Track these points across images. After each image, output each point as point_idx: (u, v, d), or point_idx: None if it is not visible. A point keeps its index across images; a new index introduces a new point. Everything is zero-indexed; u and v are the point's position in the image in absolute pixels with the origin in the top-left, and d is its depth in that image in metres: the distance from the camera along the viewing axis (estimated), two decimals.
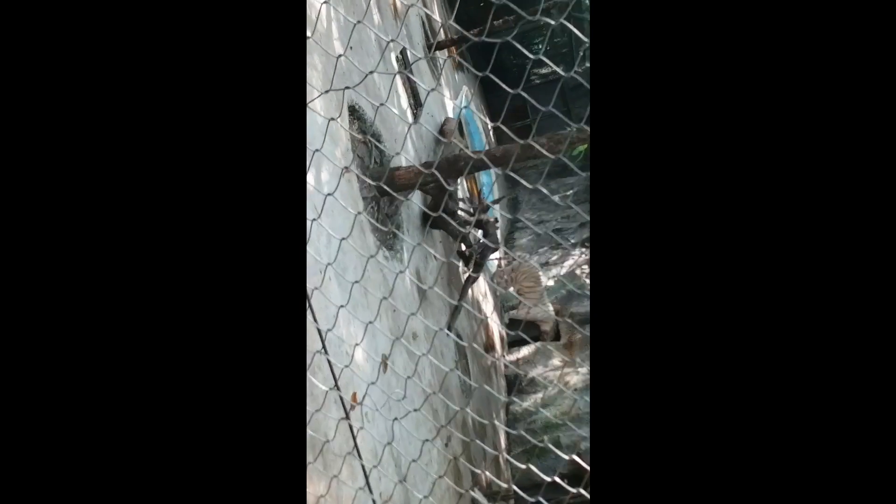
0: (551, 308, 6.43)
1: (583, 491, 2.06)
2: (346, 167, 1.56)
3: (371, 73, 1.58)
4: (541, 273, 6.55)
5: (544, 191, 1.83)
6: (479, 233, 5.72)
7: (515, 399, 6.21)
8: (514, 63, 9.84)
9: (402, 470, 2.95)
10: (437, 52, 6.55)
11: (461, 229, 5.00)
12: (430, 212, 3.34)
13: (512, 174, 2.13)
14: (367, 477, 2.16)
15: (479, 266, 5.43)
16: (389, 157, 4.42)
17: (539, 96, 1.74)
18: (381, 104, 1.55)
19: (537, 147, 1.82)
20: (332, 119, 1.49)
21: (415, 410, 1.83)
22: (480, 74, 1.75)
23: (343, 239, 1.56)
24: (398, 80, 5.38)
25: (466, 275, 5.64)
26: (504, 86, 1.80)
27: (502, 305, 7.55)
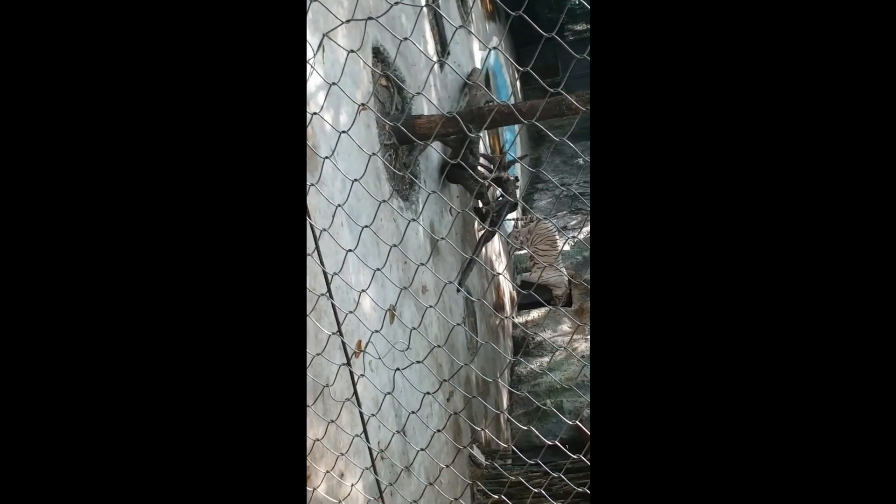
0: (565, 273, 6.34)
1: (583, 458, 2.02)
2: (364, 104, 1.46)
3: (397, 2, 1.46)
4: (557, 236, 6.45)
5: (570, 145, 1.72)
6: (498, 190, 5.60)
7: (522, 360, 6.20)
8: (548, 17, 9.48)
9: (402, 421, 2.93)
10: None
11: (480, 184, 4.89)
12: (450, 160, 3.24)
13: (538, 124, 2.02)
14: (364, 425, 2.13)
15: (495, 224, 5.33)
16: (411, 104, 4.28)
17: (570, 55, 1.63)
18: (406, 38, 1.44)
19: (567, 97, 1.70)
20: (353, 51, 1.38)
21: (418, 363, 1.77)
22: (513, 14, 1.62)
23: (356, 180, 1.47)
24: (426, 25, 5.19)
25: (482, 232, 5.55)
26: (538, 28, 1.67)
27: (515, 267, 7.47)
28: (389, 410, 3.05)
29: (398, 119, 3.92)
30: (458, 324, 2.79)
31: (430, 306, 1.76)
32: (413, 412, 1.82)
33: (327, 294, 1.89)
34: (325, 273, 1.91)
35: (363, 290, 1.75)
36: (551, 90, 1.57)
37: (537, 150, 8.92)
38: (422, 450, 1.92)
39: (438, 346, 1.92)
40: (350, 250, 1.65)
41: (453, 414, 2.71)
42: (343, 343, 1.86)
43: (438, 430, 2.06)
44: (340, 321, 1.83)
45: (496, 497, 3.64)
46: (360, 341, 2.73)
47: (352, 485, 1.96)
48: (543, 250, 6.35)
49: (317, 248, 1.84)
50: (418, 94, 1.44)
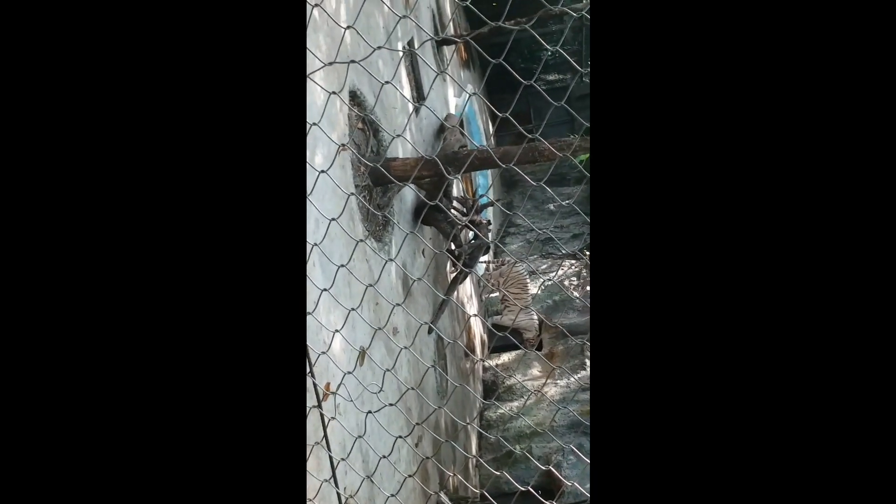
0: (535, 317, 6.37)
1: None
2: (343, 145, 1.48)
3: (378, 48, 1.50)
4: (528, 280, 6.50)
5: (547, 188, 1.76)
6: (471, 233, 5.65)
7: (496, 403, 6.14)
8: (521, 67, 9.77)
9: (371, 466, 2.86)
10: (445, 46, 6.48)
11: (455, 225, 4.92)
12: (427, 201, 3.26)
13: (515, 168, 2.06)
14: (333, 469, 2.07)
15: (467, 267, 5.35)
16: (386, 147, 4.33)
17: (543, 103, 1.68)
18: (387, 82, 1.47)
19: (542, 142, 1.74)
20: (334, 93, 1.41)
21: (390, 405, 1.75)
22: (493, 61, 1.67)
23: (333, 220, 1.47)
24: (402, 71, 5.30)
25: (454, 275, 5.56)
26: (517, 76, 1.72)
27: (486, 310, 7.48)
28: (357, 455, 2.98)
29: (374, 161, 3.95)
30: (431, 366, 2.76)
31: (405, 347, 1.74)
32: (384, 456, 1.78)
33: None
34: None
35: (337, 331, 1.74)
36: (528, 135, 1.62)
37: (509, 194, 9.07)
38: (392, 496, 1.87)
39: (412, 389, 1.89)
40: (325, 289, 1.64)
41: (424, 459, 2.66)
42: (314, 385, 1.83)
43: (410, 476, 2.01)
44: (312, 362, 1.80)
45: None
46: (328, 383, 2.68)
47: None
48: (515, 293, 6.38)
49: None
50: (398, 136, 1.47)
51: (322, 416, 2.00)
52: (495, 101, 9.91)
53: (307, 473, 2.02)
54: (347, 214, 3.49)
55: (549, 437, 5.55)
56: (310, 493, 1.91)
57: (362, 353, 3.44)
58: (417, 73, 5.53)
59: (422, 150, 5.26)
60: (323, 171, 1.43)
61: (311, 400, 2.10)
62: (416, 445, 4.19)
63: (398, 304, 1.75)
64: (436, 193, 4.75)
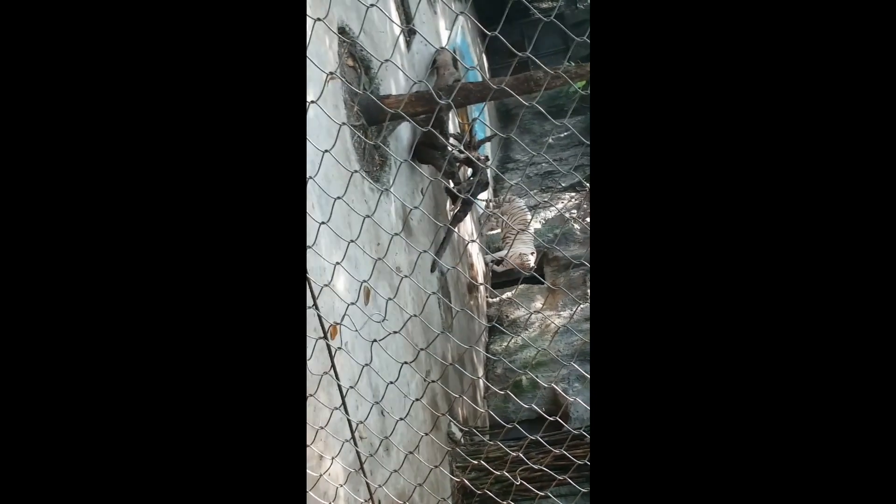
0: (534, 250, 6.38)
1: (562, 423, 2.07)
2: (331, 72, 1.44)
3: None
4: (529, 216, 6.49)
5: (549, 119, 1.73)
6: (469, 171, 5.61)
7: (504, 329, 6.26)
8: None
9: (380, 397, 2.94)
10: None
11: (453, 162, 4.88)
12: (422, 129, 3.22)
13: (511, 101, 2.02)
14: (343, 398, 2.14)
15: (466, 204, 5.34)
16: (378, 84, 4.24)
17: (540, 33, 1.64)
18: (372, 5, 1.43)
19: (538, 73, 1.70)
20: (319, 20, 1.37)
21: (395, 332, 1.79)
22: None
23: (326, 151, 1.46)
24: (392, 5, 5.12)
25: (453, 213, 5.55)
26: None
27: (488, 246, 7.51)
28: (367, 389, 3.06)
29: (366, 99, 3.88)
30: (433, 293, 2.81)
31: (405, 276, 1.76)
32: (391, 382, 1.83)
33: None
34: None
35: (338, 263, 1.75)
36: (518, 53, 1.57)
37: (506, 130, 8.94)
38: (401, 419, 1.94)
39: (415, 316, 1.93)
40: (324, 222, 1.65)
41: (431, 382, 2.74)
42: (319, 317, 1.85)
43: (417, 399, 2.08)
44: (315, 294, 1.82)
45: (475, 465, 3.69)
46: (334, 326, 2.73)
47: (332, 458, 1.97)
48: (516, 228, 6.39)
49: None
50: (387, 61, 1.43)
51: (329, 346, 2.04)
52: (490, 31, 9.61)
53: (319, 404, 2.08)
54: (343, 154, 3.46)
55: (553, 367, 5.68)
56: (321, 423, 1.97)
57: (367, 291, 3.48)
58: (407, 5, 5.35)
59: (415, 87, 5.16)
60: (313, 102, 1.41)
61: (317, 333, 2.14)
62: (425, 379, 4.30)
63: (396, 234, 1.75)
64: (430, 132, 4.69)
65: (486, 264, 6.75)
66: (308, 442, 1.87)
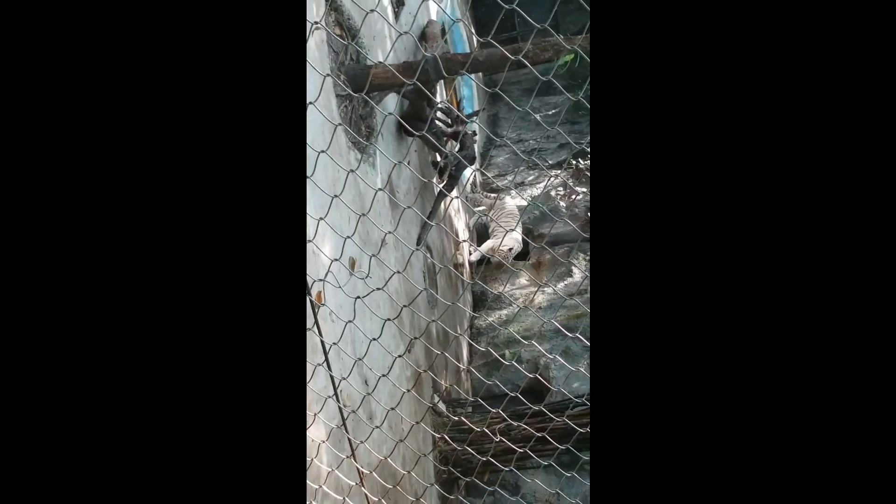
0: (520, 238, 6.39)
1: (544, 409, 2.09)
2: (317, 22, 1.41)
3: None
4: (518, 213, 6.52)
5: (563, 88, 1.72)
6: (456, 146, 5.57)
7: (491, 304, 6.28)
8: None
9: (364, 367, 2.95)
10: None
11: (440, 136, 4.85)
12: (407, 98, 3.18)
13: (498, 77, 1.99)
14: (326, 353, 2.14)
15: (453, 179, 5.31)
16: (366, 55, 4.18)
17: (528, 7, 1.63)
18: None
19: (526, 45, 1.68)
20: None
21: (378, 289, 1.79)
22: None
23: (311, 104, 1.43)
24: None
25: (440, 188, 5.53)
26: None
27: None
28: (350, 360, 3.07)
29: (354, 69, 3.83)
30: (416, 248, 2.81)
31: (390, 232, 1.74)
32: (374, 339, 1.84)
33: None
34: None
35: (321, 218, 1.73)
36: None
37: (494, 106, 8.89)
38: (383, 375, 1.95)
39: (398, 273, 1.91)
40: (307, 177, 1.62)
41: (413, 339, 2.75)
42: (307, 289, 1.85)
43: (400, 356, 2.10)
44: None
45: (458, 446, 3.74)
46: (319, 293, 2.72)
47: (315, 414, 1.99)
48: (506, 223, 6.41)
49: None
50: (373, 10, 1.40)
51: (311, 302, 2.05)
52: (478, 5, 9.52)
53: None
54: (328, 124, 3.42)
55: (538, 341, 5.73)
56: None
57: (353, 262, 3.48)
58: None
59: (403, 57, 5.09)
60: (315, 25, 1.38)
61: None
62: (409, 352, 4.32)
63: (380, 190, 1.74)
64: (418, 105, 4.64)
65: (470, 253, 6.77)
66: None
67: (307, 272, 2.27)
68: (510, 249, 6.22)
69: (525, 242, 6.41)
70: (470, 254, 6.68)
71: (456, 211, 6.62)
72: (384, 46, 4.69)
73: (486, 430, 2.91)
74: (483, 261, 6.52)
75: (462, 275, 6.54)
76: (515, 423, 3.54)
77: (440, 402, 4.93)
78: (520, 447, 2.71)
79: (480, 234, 7.24)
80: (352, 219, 3.56)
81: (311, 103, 1.42)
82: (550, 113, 7.17)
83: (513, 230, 6.28)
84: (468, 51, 6.59)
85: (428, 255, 5.34)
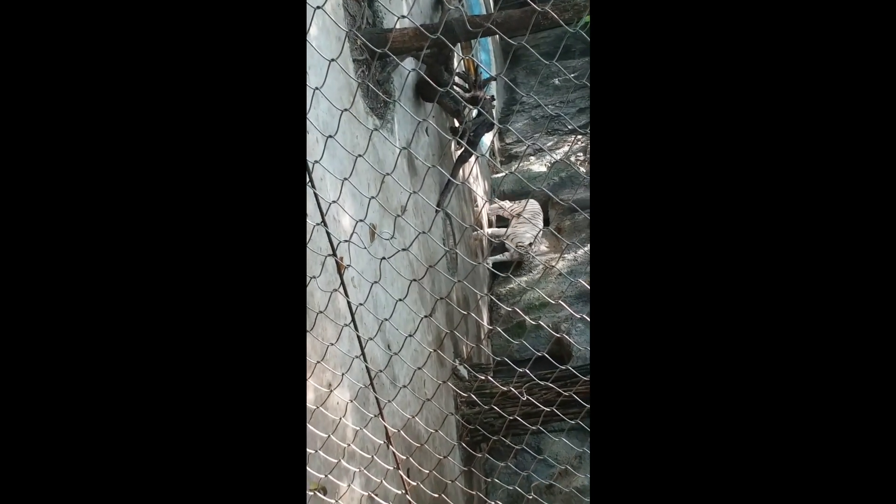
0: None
1: (572, 369, 2.11)
2: (320, 6, 1.40)
3: None
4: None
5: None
6: (474, 111, 5.51)
7: (510, 276, 6.30)
8: None
9: (387, 327, 2.99)
10: None
11: (458, 101, 4.80)
12: (426, 76, 3.17)
13: (516, 40, 1.96)
14: (353, 313, 2.18)
15: (472, 145, 5.28)
16: (382, 18, 4.13)
17: None
18: None
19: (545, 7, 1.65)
20: None
21: (404, 250, 1.80)
22: None
23: (333, 60, 1.42)
24: None
25: (458, 153, 5.50)
26: None
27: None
28: (374, 324, 3.11)
29: (370, 32, 3.79)
30: (441, 210, 2.82)
31: (415, 192, 1.75)
32: (400, 299, 1.86)
33: (322, 223, 1.89)
34: (315, 195, 1.89)
35: (342, 179, 1.74)
36: None
37: (512, 71, 8.74)
38: (410, 335, 1.98)
39: (423, 233, 1.93)
40: (316, 161, 1.64)
41: (438, 298, 2.77)
42: (328, 233, 1.86)
43: (426, 316, 2.12)
44: (324, 211, 1.83)
45: (478, 401, 3.80)
46: (341, 257, 2.75)
47: (342, 374, 2.02)
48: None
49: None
50: None
51: (337, 263, 2.07)
52: None
53: (328, 320, 2.11)
54: (347, 90, 3.40)
55: (557, 308, 5.74)
56: (331, 340, 2.01)
57: (371, 231, 3.50)
58: None
59: (420, 20, 5.02)
60: (318, 8, 1.37)
61: (315, 271, 2.16)
62: (430, 316, 4.36)
63: (404, 149, 1.74)
64: (436, 69, 4.59)
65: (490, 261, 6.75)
66: (313, 366, 1.92)
67: (329, 237, 2.30)
68: (530, 245, 6.21)
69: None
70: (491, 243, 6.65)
71: (475, 178, 6.59)
72: (400, 10, 4.63)
73: (513, 389, 2.95)
74: (502, 264, 6.47)
75: (482, 241, 6.54)
76: (540, 384, 3.57)
77: (462, 365, 4.98)
78: (538, 411, 2.74)
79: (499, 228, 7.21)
80: (371, 186, 3.57)
81: (332, 60, 1.42)
82: (570, 77, 7.02)
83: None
84: (485, 11, 6.47)
85: (447, 222, 5.34)
